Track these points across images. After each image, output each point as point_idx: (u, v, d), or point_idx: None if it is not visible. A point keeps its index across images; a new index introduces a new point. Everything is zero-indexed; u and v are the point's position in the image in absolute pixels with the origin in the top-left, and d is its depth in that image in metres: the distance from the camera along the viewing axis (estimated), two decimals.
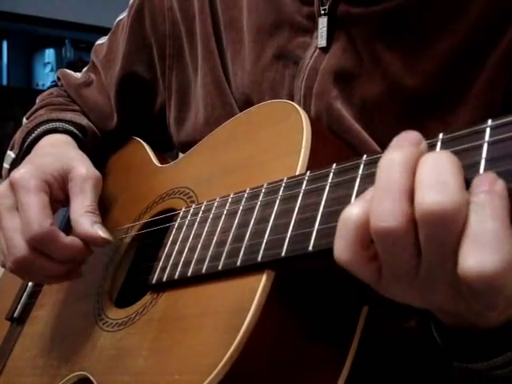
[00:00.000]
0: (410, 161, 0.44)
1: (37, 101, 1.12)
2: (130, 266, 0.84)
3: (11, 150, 1.02)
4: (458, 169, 0.43)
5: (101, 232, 0.77)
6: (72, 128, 0.99)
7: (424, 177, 0.43)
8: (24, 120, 1.07)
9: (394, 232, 0.43)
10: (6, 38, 6.23)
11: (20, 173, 0.80)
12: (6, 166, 1.03)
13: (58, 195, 0.83)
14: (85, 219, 0.78)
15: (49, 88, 1.18)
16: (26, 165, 0.83)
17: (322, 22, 0.76)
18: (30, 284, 0.98)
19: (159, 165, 0.92)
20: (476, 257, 0.40)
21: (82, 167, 0.84)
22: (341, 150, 0.70)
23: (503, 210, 0.41)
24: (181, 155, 0.95)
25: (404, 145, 0.45)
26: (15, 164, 0.98)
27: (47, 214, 0.77)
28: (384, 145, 0.47)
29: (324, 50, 0.76)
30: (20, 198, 0.78)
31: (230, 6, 0.88)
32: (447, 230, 0.41)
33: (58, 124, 0.99)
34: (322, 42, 0.76)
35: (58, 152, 0.89)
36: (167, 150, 1.05)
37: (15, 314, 0.96)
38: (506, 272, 0.40)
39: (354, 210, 0.46)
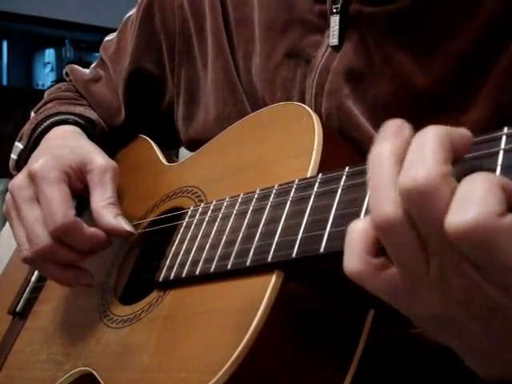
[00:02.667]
0: (397, 150, 0.44)
1: (45, 95, 1.13)
2: (136, 264, 0.85)
3: (19, 141, 1.03)
4: (440, 143, 0.42)
5: (125, 224, 0.79)
6: (81, 121, 1.00)
7: (407, 158, 0.42)
8: (32, 114, 1.07)
9: (393, 220, 0.42)
10: (6, 38, 6.24)
11: (39, 164, 0.81)
12: (13, 156, 1.04)
13: (77, 186, 0.84)
14: (107, 211, 0.79)
15: (49, 88, 1.18)
16: (44, 156, 0.84)
17: (334, 21, 0.76)
18: (33, 279, 0.98)
19: (167, 163, 0.92)
20: (457, 213, 0.38)
21: (99, 158, 0.86)
22: (351, 155, 0.70)
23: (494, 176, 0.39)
24: (181, 153, 0.95)
25: (387, 136, 0.45)
26: (23, 155, 0.99)
27: (70, 205, 0.78)
28: None
29: (336, 48, 0.76)
30: (42, 189, 0.79)
31: (240, 3, 0.88)
32: (428, 204, 0.40)
33: (67, 116, 0.99)
34: (333, 40, 0.76)
35: (72, 144, 0.90)
36: (174, 147, 1.05)
37: (17, 309, 0.96)
38: (489, 224, 0.38)
39: (359, 222, 0.46)
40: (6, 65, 6.16)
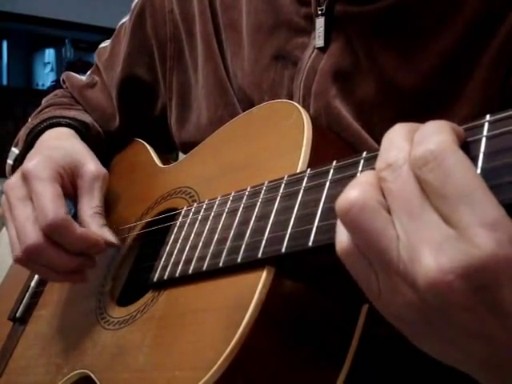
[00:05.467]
0: None
1: (42, 102, 1.14)
2: (132, 265, 0.85)
3: (15, 146, 1.04)
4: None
5: (109, 235, 0.79)
6: (75, 124, 1.00)
7: None
8: (29, 120, 1.08)
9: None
10: (6, 38, 6.26)
11: (33, 163, 0.82)
12: (9, 162, 1.04)
13: (68, 188, 0.84)
14: (93, 220, 0.80)
15: (49, 88, 1.20)
16: (37, 156, 0.85)
17: (320, 23, 0.76)
18: (32, 284, 0.98)
19: (162, 166, 0.93)
20: (419, 145, 0.42)
21: (91, 164, 0.86)
22: (341, 149, 0.70)
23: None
24: (181, 156, 0.95)
25: None
26: (18, 159, 0.99)
27: (62, 203, 0.78)
28: None
29: (322, 49, 0.76)
30: (34, 188, 0.79)
31: (229, 8, 0.88)
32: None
33: (60, 119, 1.00)
34: (319, 42, 0.76)
35: (65, 145, 0.91)
36: (169, 151, 1.05)
37: (17, 314, 0.96)
38: (450, 145, 0.41)
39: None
40: (5, 65, 6.19)
